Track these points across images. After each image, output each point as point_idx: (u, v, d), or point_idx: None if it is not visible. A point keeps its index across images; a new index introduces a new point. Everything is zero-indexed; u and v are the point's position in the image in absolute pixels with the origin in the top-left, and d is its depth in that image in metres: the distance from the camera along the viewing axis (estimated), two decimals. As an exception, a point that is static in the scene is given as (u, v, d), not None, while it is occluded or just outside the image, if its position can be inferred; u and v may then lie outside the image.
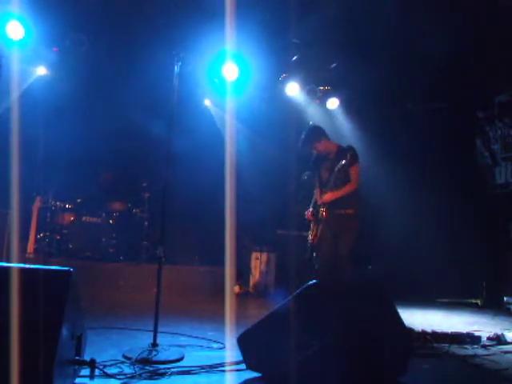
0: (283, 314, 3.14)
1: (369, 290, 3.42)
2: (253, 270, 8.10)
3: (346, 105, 9.01)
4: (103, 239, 7.95)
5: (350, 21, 6.70)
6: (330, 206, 5.42)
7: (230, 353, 3.69)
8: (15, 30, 6.35)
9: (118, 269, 7.46)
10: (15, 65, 6.29)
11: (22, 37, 6.40)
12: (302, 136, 5.65)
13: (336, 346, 2.85)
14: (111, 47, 7.25)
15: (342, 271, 5.27)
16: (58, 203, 7.87)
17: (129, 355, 3.42)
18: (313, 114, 8.88)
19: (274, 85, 8.62)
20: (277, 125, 8.51)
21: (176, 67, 4.03)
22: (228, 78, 7.44)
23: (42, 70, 7.68)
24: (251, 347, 3.26)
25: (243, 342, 3.31)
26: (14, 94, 6.54)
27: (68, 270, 2.69)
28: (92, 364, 2.79)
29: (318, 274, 5.45)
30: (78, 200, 8.02)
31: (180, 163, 5.50)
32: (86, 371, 2.85)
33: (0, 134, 5.44)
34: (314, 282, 3.16)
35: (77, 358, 2.79)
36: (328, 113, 8.96)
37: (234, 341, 3.38)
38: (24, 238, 7.43)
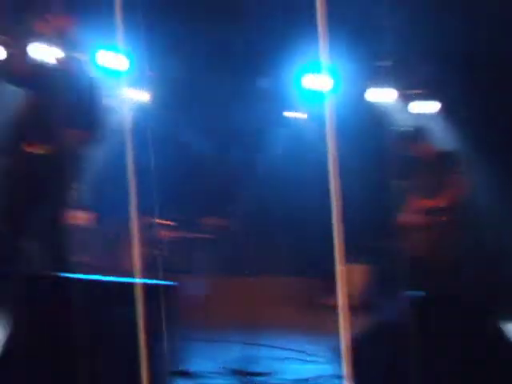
0: (386, 329, 3.04)
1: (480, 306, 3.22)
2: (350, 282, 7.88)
3: (443, 108, 8.72)
4: (204, 254, 7.88)
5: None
6: (435, 211, 5.32)
7: (328, 366, 3.62)
8: (117, 61, 6.38)
9: (219, 283, 7.30)
10: (120, 93, 6.48)
11: (124, 66, 6.44)
12: (409, 135, 5.70)
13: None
14: (210, 70, 7.17)
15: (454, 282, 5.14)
16: (160, 219, 7.62)
17: (228, 367, 3.44)
18: (404, 118, 8.68)
19: (364, 90, 8.48)
20: (369, 131, 8.36)
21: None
22: (321, 89, 7.38)
23: (145, 96, 7.71)
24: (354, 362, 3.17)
25: (345, 355, 3.22)
26: (126, 122, 6.79)
27: (172, 285, 2.80)
28: (192, 375, 2.84)
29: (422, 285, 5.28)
30: (180, 215, 8.02)
31: (277, 172, 5.51)
32: (187, 382, 2.89)
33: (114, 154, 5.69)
34: (423, 295, 3.02)
35: (178, 369, 2.84)
36: (419, 117, 8.72)
37: (332, 354, 3.31)
38: (127, 254, 7.68)
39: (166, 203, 7.89)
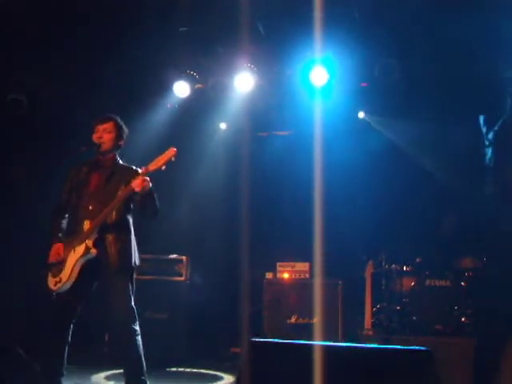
0: None
1: None
2: None
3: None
4: (455, 308, 6.12)
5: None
6: None
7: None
8: (319, 76, 5.82)
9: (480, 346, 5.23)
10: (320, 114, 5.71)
11: (325, 81, 5.87)
12: None
13: None
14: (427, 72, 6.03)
15: None
16: (393, 266, 6.39)
17: None
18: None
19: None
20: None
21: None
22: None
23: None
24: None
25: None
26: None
27: (426, 351, 2.51)
28: None
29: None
30: (417, 259, 6.44)
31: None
32: None
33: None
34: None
35: None
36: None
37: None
38: (359, 312, 6.51)
39: (403, 243, 6.57)
